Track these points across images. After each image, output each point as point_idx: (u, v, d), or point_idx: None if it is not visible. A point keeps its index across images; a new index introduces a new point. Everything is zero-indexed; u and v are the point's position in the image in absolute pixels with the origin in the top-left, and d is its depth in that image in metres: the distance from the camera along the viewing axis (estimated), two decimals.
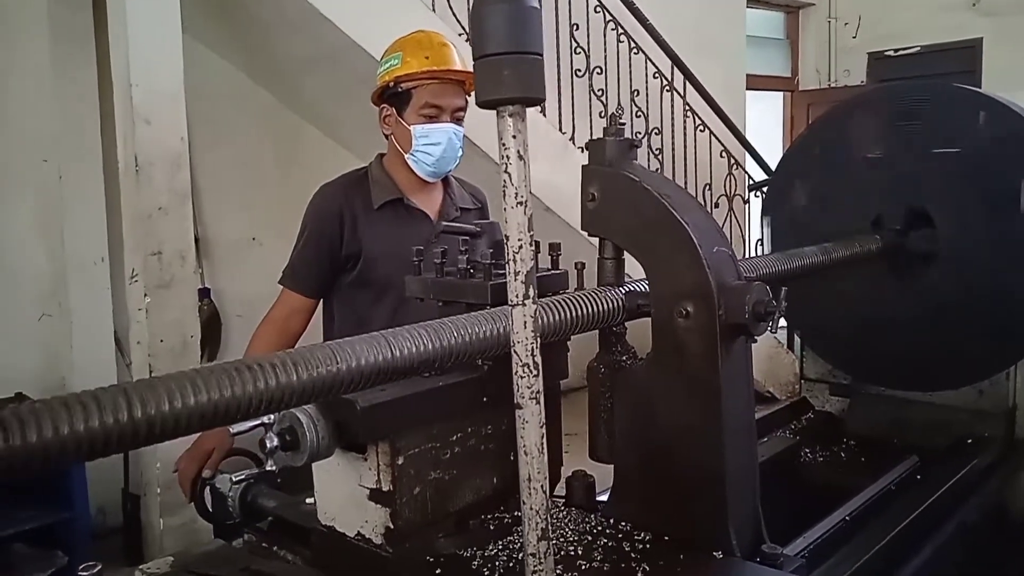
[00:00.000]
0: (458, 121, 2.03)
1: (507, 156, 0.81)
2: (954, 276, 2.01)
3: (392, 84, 2.00)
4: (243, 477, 1.31)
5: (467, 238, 1.32)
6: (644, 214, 1.27)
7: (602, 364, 1.34)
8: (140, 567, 1.25)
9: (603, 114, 4.51)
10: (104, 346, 3.68)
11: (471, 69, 2.21)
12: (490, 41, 0.80)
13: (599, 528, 1.27)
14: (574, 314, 1.21)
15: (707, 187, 5.15)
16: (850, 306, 2.20)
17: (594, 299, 1.25)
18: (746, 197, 5.42)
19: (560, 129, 4.27)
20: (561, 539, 1.23)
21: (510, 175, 0.81)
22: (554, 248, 1.38)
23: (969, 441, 2.06)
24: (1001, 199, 1.93)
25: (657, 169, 4.83)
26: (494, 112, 0.84)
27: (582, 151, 4.35)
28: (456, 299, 1.29)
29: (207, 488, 1.48)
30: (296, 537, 1.32)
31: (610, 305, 1.27)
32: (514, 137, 0.82)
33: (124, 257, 3.10)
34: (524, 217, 0.82)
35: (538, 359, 0.83)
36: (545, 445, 0.84)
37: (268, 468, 1.07)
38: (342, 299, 2.06)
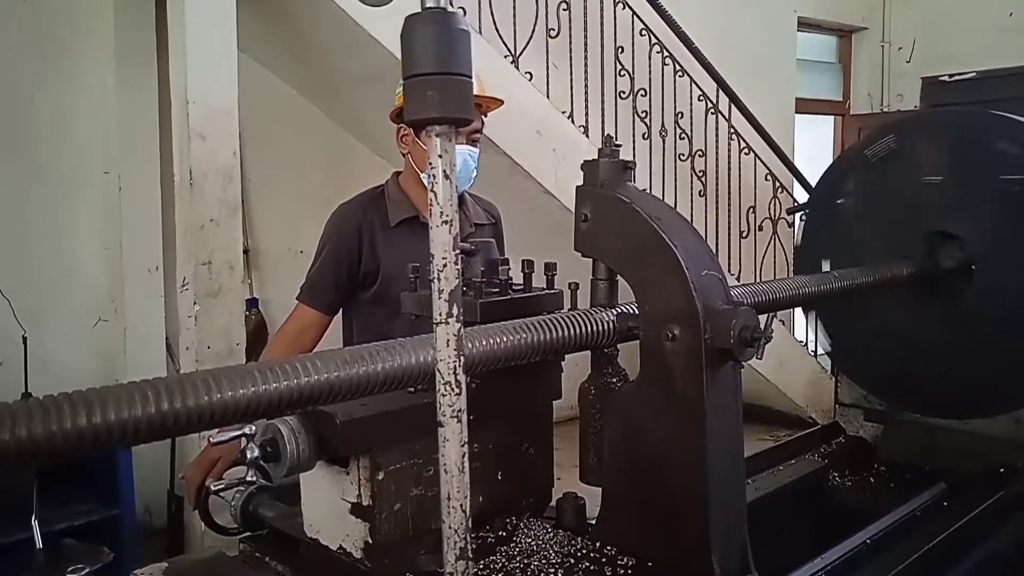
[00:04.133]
0: (474, 142, 2.08)
1: (434, 175, 0.81)
2: (990, 303, 1.98)
3: None
4: (223, 485, 1.29)
5: (462, 255, 1.35)
6: (634, 236, 1.26)
7: (593, 386, 1.34)
8: (134, 571, 1.27)
9: (646, 135, 4.54)
10: (156, 351, 3.82)
11: (488, 92, 2.25)
12: (418, 62, 0.81)
13: (583, 551, 1.27)
14: (563, 334, 1.20)
15: (751, 210, 5.13)
16: (884, 332, 2.18)
17: (584, 320, 1.25)
18: (791, 220, 5.37)
19: None
20: (543, 561, 1.23)
21: (436, 194, 0.81)
22: (549, 268, 1.39)
23: (1001, 470, 2.02)
24: None
25: (700, 191, 4.83)
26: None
27: None
28: None
29: (211, 496, 1.49)
30: (288, 548, 1.32)
31: (600, 326, 1.26)
32: (440, 156, 0.81)
33: (176, 266, 3.23)
34: (449, 236, 0.81)
35: (461, 378, 0.82)
36: (467, 464, 0.84)
37: (248, 479, 1.08)
38: (361, 315, 2.10)
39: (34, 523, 2.69)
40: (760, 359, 1.17)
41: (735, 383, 1.24)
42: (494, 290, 1.33)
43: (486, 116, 2.17)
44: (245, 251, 4.29)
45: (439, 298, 0.81)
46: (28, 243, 3.60)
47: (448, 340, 0.81)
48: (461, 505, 0.84)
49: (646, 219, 1.24)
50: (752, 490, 1.92)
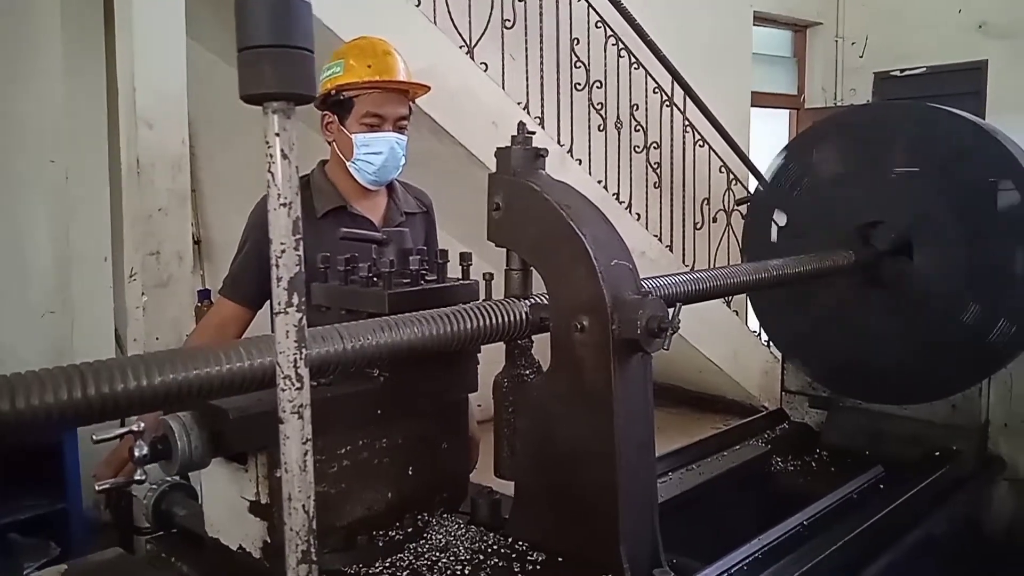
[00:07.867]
0: (400, 130, 2.03)
1: (271, 155, 0.75)
2: (926, 290, 2.03)
3: (334, 92, 1.99)
4: (107, 486, 1.19)
5: (375, 245, 1.31)
6: (544, 225, 1.23)
7: (506, 378, 1.32)
8: (33, 573, 1.23)
9: (602, 127, 4.57)
10: (104, 343, 3.74)
11: (415, 79, 2.21)
12: (252, 33, 0.75)
13: (494, 547, 1.25)
14: (473, 325, 1.17)
15: (705, 201, 5.19)
16: (826, 319, 2.23)
17: (496, 311, 1.22)
18: (744, 212, 5.45)
19: (559, 141, 4.33)
20: (453, 558, 1.21)
21: (273, 175, 0.74)
22: (465, 258, 1.36)
23: (937, 454, 2.08)
24: (970, 212, 1.95)
25: (655, 183, 4.88)
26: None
27: (580, 163, 4.41)
28: (357, 308, 1.27)
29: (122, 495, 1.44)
30: (195, 548, 1.28)
31: (513, 317, 1.24)
32: (278, 135, 0.75)
33: (124, 256, 3.18)
34: (288, 219, 0.74)
35: (302, 371, 0.76)
36: (310, 463, 0.79)
37: (137, 478, 1.03)
38: None
39: None
40: (667, 350, 1.15)
41: (644, 374, 1.22)
42: (405, 280, 1.30)
43: (413, 103, 2.13)
44: (197, 242, 4.24)
45: (277, 286, 0.74)
46: None
47: (288, 331, 0.75)
48: (303, 506, 0.79)
49: (555, 207, 1.21)
50: (696, 475, 1.96)
